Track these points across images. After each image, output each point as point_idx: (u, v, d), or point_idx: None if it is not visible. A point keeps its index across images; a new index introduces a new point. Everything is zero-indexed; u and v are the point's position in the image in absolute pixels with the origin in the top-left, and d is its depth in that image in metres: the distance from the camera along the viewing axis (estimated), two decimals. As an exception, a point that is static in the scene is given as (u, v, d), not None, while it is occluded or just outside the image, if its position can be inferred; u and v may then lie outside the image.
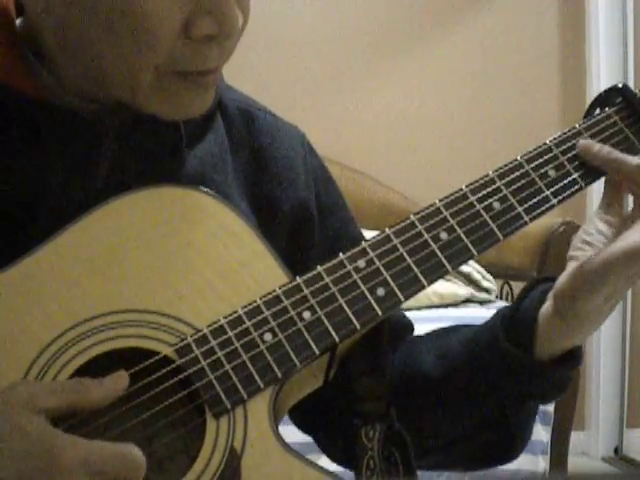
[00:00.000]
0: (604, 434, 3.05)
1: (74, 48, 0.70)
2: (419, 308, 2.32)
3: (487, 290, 2.59)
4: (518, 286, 2.77)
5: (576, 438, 2.60)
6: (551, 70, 3.15)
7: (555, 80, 3.15)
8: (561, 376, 0.73)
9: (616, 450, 3.06)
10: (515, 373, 0.73)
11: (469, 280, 2.57)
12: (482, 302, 2.55)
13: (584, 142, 0.74)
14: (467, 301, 2.52)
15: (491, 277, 2.63)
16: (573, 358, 0.73)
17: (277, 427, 0.66)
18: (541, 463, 2.10)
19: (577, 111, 3.09)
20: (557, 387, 0.74)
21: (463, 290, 2.50)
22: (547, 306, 0.72)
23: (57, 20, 0.69)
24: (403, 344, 0.84)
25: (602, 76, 3.07)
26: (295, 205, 0.83)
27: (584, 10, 3.13)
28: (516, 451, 0.79)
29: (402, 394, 0.77)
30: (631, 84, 0.77)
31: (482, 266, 2.60)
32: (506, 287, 2.82)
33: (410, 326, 0.88)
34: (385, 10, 3.04)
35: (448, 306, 2.44)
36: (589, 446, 3.06)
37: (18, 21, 0.75)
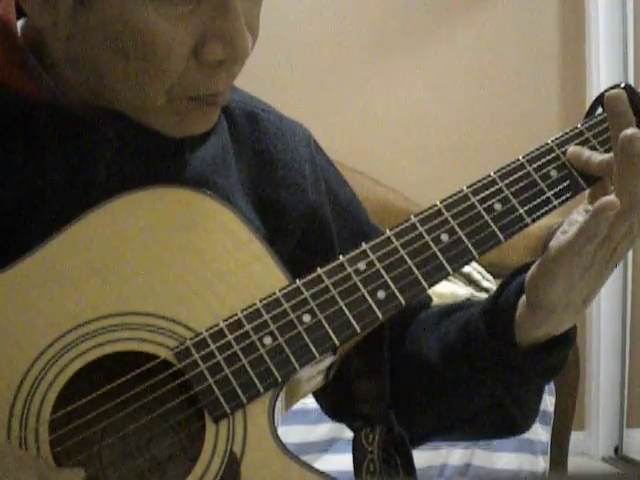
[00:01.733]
0: (604, 434, 3.05)
1: (82, 64, 0.70)
2: (419, 308, 2.32)
3: (487, 290, 2.58)
4: (518, 286, 2.76)
5: (576, 438, 2.60)
6: (551, 70, 3.15)
7: (555, 80, 3.15)
8: (547, 361, 0.73)
9: (616, 450, 3.06)
10: (499, 362, 0.73)
11: (469, 280, 2.56)
12: (482, 302, 2.55)
13: (572, 150, 0.73)
14: (467, 301, 2.52)
15: (491, 277, 2.62)
16: (558, 343, 0.73)
17: (277, 430, 0.65)
18: (541, 463, 2.10)
19: (577, 111, 3.09)
20: (547, 371, 0.74)
21: (463, 290, 2.50)
22: (523, 296, 0.74)
23: (65, 37, 0.69)
24: (413, 323, 0.84)
25: (602, 76, 3.07)
26: (305, 211, 0.82)
27: (584, 10, 3.13)
28: (520, 429, 0.80)
29: (406, 375, 0.78)
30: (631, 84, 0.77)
31: (482, 266, 2.60)
32: (506, 287, 2.81)
33: (426, 300, 0.88)
34: (385, 10, 3.03)
35: (448, 306, 2.43)
36: (589, 446, 3.06)
37: (20, 22, 0.75)
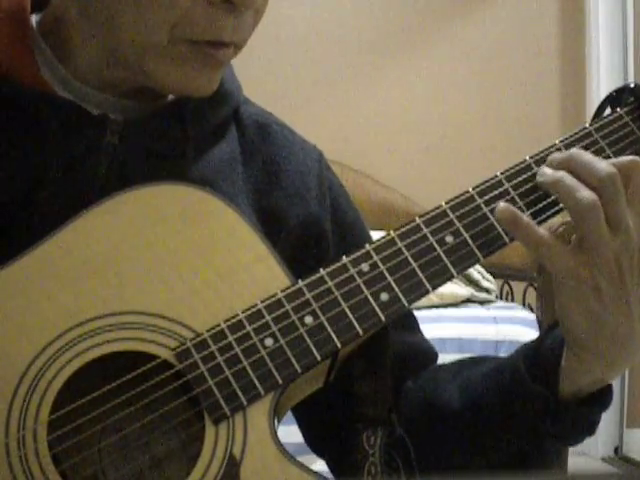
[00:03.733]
0: (604, 434, 3.05)
1: (95, 15, 0.71)
2: (419, 308, 2.32)
3: (487, 290, 2.59)
4: (518, 286, 2.77)
5: (576, 439, 2.60)
6: (551, 70, 3.15)
7: (555, 80, 3.16)
8: (585, 417, 0.71)
9: (616, 450, 3.06)
10: (538, 411, 0.70)
11: (469, 280, 2.57)
12: (482, 302, 2.55)
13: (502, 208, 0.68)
14: (467, 301, 2.52)
15: (491, 277, 2.63)
16: (599, 400, 0.71)
17: (277, 433, 0.65)
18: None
19: (577, 111, 3.10)
20: (581, 428, 0.71)
21: (463, 290, 2.50)
22: None
23: None
24: (425, 373, 0.83)
25: (602, 76, 3.08)
26: (304, 220, 0.81)
27: (584, 10, 3.13)
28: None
29: (422, 423, 0.76)
30: (631, 84, 0.76)
31: (482, 266, 2.60)
32: (506, 287, 2.82)
33: (434, 355, 0.87)
34: (385, 10, 3.04)
35: (448, 306, 2.43)
36: (589, 446, 3.06)
37: (37, 17, 0.77)
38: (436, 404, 0.77)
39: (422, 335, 0.88)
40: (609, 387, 0.72)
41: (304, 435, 0.87)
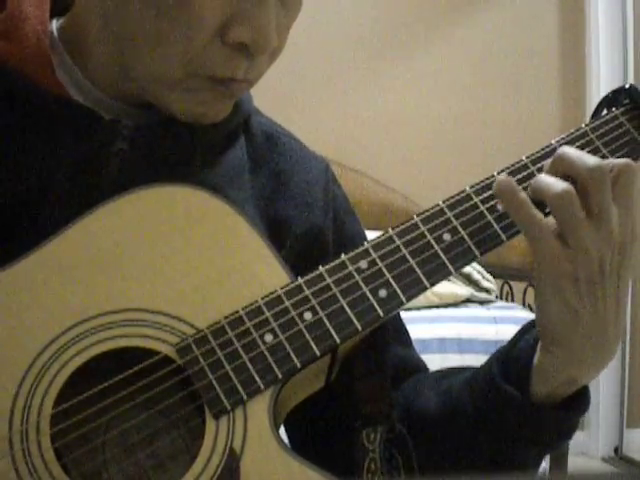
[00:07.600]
0: (604, 434, 3.06)
1: (116, 34, 0.72)
2: (419, 308, 2.32)
3: (487, 290, 2.59)
4: (518, 286, 2.78)
5: (576, 438, 2.59)
6: (551, 70, 3.15)
7: (555, 80, 3.16)
8: (560, 421, 0.71)
9: (616, 450, 3.06)
10: (510, 413, 0.71)
11: (469, 280, 2.57)
12: (482, 302, 2.55)
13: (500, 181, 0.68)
14: (467, 301, 2.52)
15: (491, 277, 2.63)
16: (575, 404, 0.71)
17: (277, 428, 0.65)
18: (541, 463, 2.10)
19: (577, 112, 3.10)
20: (557, 432, 0.71)
21: (463, 290, 2.50)
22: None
23: (105, 7, 0.71)
24: (408, 381, 0.83)
25: (602, 76, 3.08)
26: (309, 229, 0.82)
27: (584, 10, 3.13)
28: None
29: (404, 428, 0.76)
30: (631, 84, 0.77)
31: (482, 266, 2.61)
32: (506, 287, 2.83)
33: (424, 368, 0.88)
34: (385, 10, 3.04)
35: (448, 306, 2.44)
36: (589, 446, 3.07)
37: (58, 22, 0.78)
38: (415, 411, 0.78)
39: (414, 350, 0.89)
40: (586, 392, 0.72)
41: (293, 440, 0.87)
